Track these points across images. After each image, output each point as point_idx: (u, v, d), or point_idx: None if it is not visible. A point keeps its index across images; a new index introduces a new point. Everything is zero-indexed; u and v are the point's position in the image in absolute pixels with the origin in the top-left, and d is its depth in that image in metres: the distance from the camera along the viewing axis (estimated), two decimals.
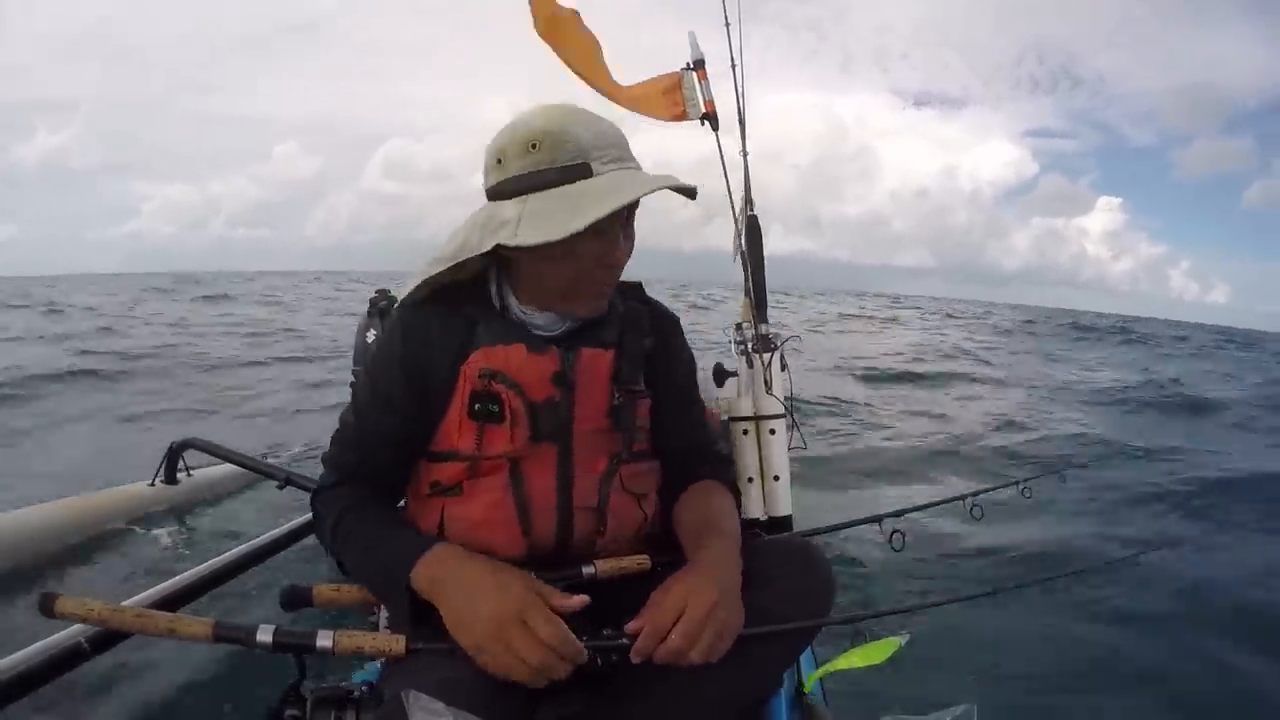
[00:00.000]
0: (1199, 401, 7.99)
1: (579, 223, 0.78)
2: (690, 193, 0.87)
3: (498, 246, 0.82)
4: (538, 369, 0.88)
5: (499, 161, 0.85)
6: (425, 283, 0.89)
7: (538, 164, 0.82)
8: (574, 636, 0.74)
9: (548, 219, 0.79)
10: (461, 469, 0.88)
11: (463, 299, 0.91)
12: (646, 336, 0.98)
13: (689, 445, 1.04)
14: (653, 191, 0.82)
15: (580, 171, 0.82)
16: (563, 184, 0.81)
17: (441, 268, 0.87)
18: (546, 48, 1.80)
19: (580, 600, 0.77)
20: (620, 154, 0.85)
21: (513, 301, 0.91)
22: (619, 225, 0.85)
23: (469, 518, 0.88)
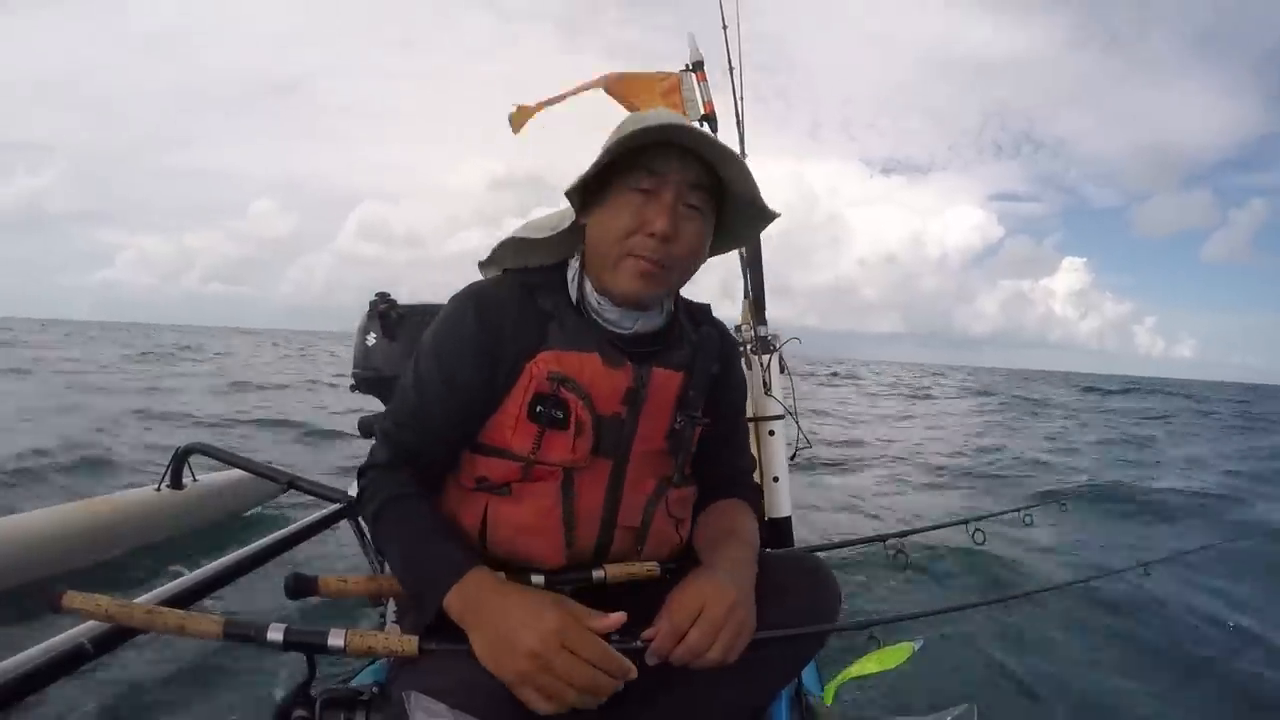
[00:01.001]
0: None
1: (604, 155, 0.82)
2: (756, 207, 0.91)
3: (578, 222, 0.88)
4: (611, 383, 0.87)
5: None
6: (508, 247, 0.93)
7: (624, 129, 0.84)
8: (618, 653, 0.72)
9: (615, 136, 0.83)
10: (514, 469, 0.86)
11: (539, 288, 0.90)
12: (715, 363, 0.98)
13: (729, 471, 1.04)
14: (704, 141, 0.83)
15: (649, 133, 0.83)
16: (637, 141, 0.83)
17: (535, 234, 0.91)
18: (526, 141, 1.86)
19: (619, 618, 0.75)
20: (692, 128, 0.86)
21: (589, 290, 0.90)
22: (666, 191, 0.84)
23: (516, 522, 0.86)
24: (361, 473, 0.91)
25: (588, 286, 0.90)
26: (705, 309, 1.03)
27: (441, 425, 0.87)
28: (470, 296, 0.89)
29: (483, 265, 1.03)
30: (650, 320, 0.92)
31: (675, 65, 1.83)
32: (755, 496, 1.07)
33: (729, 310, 1.91)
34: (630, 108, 1.79)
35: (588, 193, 0.88)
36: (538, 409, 0.84)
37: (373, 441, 0.92)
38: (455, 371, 0.86)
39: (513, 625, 0.71)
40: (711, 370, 0.97)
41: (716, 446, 1.00)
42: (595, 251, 0.88)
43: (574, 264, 0.93)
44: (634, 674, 0.72)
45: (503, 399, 0.86)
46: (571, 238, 0.92)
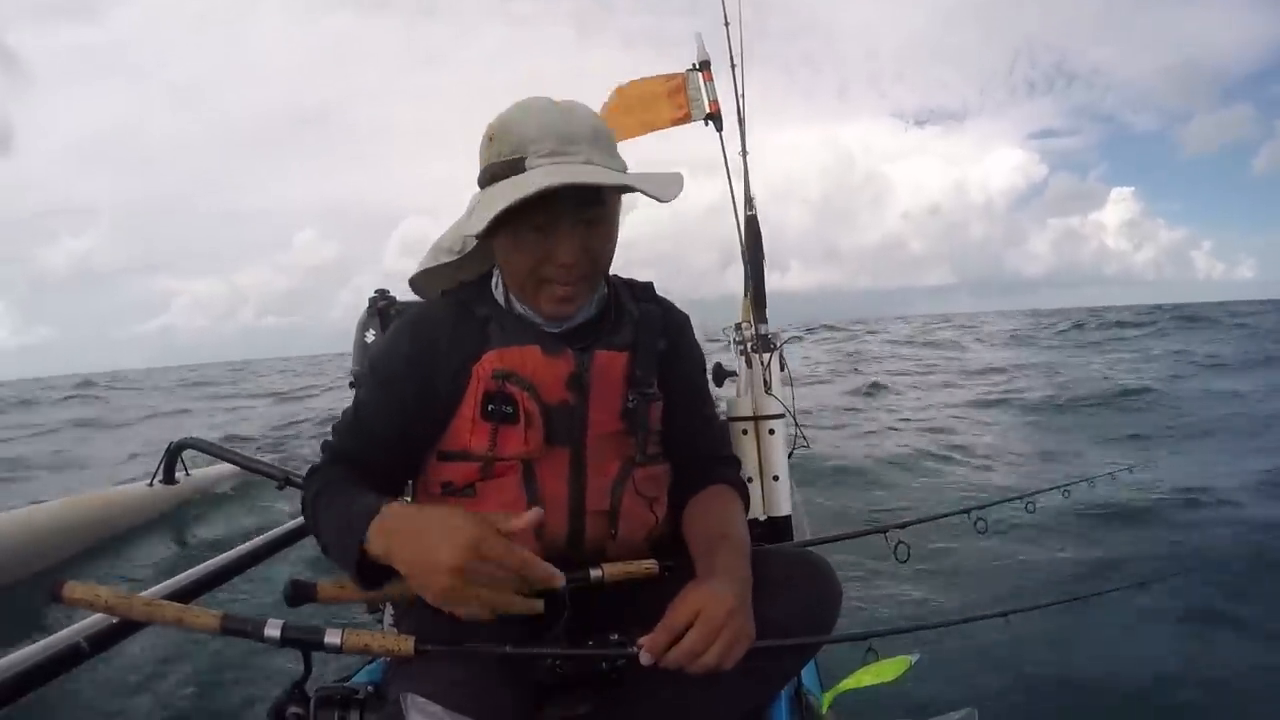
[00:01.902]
0: None
1: (476, 224, 0.81)
2: (654, 190, 0.84)
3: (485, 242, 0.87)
4: (552, 371, 0.88)
5: (481, 152, 0.87)
6: (428, 274, 0.93)
7: (490, 157, 0.84)
8: (541, 560, 0.72)
9: (481, 212, 0.81)
10: (474, 470, 0.88)
11: (472, 297, 0.92)
12: (660, 338, 0.98)
13: (700, 446, 1.03)
14: (558, 186, 0.77)
15: (513, 167, 0.82)
16: (506, 176, 0.82)
17: (447, 259, 0.91)
18: None
19: (534, 515, 0.74)
20: (557, 147, 0.81)
21: (514, 300, 0.92)
22: (563, 222, 0.83)
23: None
24: (303, 483, 0.92)
25: (513, 297, 0.92)
26: (648, 287, 1.03)
27: (380, 432, 0.89)
28: (406, 321, 0.93)
29: (419, 293, 1.05)
30: (583, 313, 0.93)
31: (688, 51, 1.83)
32: (735, 474, 1.06)
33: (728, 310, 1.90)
34: (639, 120, 1.82)
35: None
36: (489, 407, 0.86)
37: None
38: (393, 389, 0.89)
39: (429, 544, 0.70)
40: (658, 346, 0.97)
41: (681, 421, 1.00)
42: (509, 278, 0.89)
43: (496, 274, 0.94)
44: (561, 580, 0.72)
45: (456, 407, 0.88)
46: (486, 250, 0.92)
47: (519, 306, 0.91)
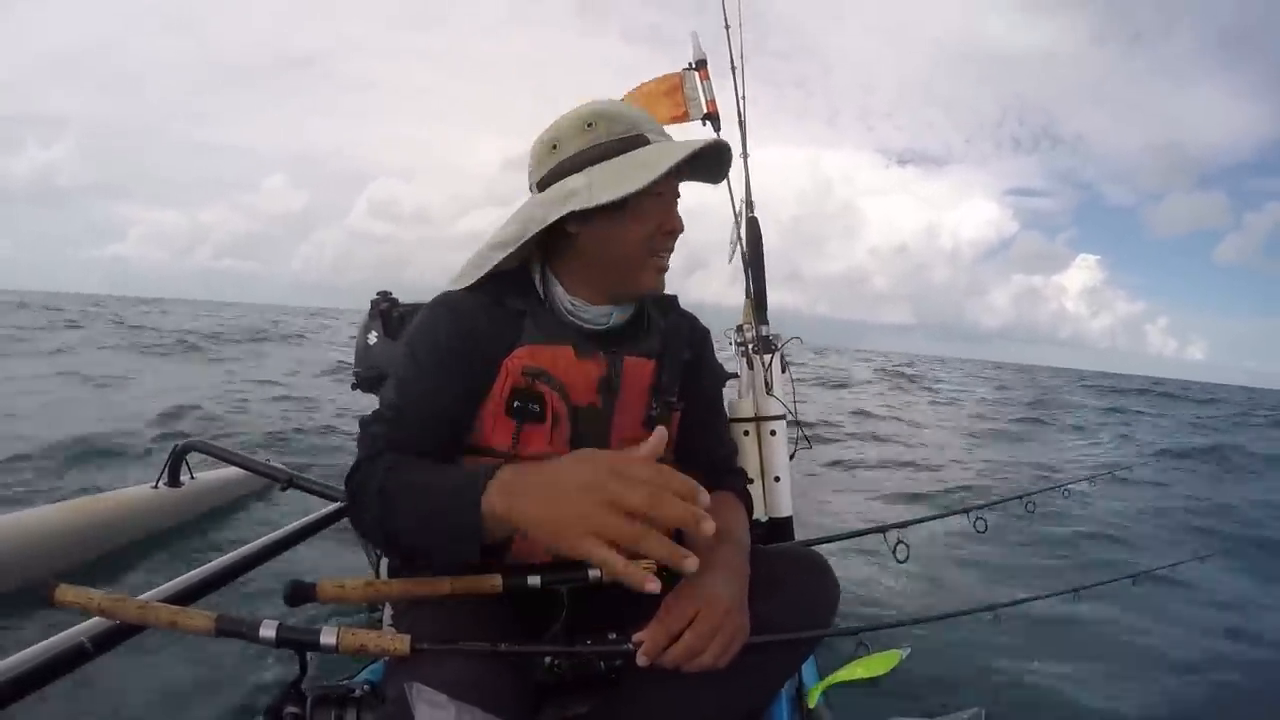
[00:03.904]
0: None
1: (648, 175, 0.82)
2: (714, 161, 0.94)
3: (559, 226, 0.86)
4: (584, 373, 0.88)
5: (554, 148, 0.89)
6: (477, 266, 0.91)
7: (596, 139, 0.87)
8: (676, 471, 0.64)
9: (618, 178, 0.83)
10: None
11: (506, 292, 0.91)
12: (686, 349, 1.00)
13: (712, 458, 1.04)
14: (701, 148, 0.87)
15: (637, 141, 0.87)
16: (620, 154, 0.86)
17: (505, 251, 0.89)
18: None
19: (659, 436, 0.67)
20: (664, 131, 0.92)
21: (559, 292, 0.92)
22: (674, 193, 0.92)
23: None
24: (349, 478, 0.85)
25: (558, 289, 0.92)
26: (673, 300, 1.05)
27: (432, 414, 0.85)
28: (442, 304, 0.91)
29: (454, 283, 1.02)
30: (623, 312, 0.95)
31: (689, 49, 1.83)
32: (742, 485, 1.07)
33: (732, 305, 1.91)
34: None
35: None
36: (515, 404, 0.86)
37: None
38: (437, 373, 0.86)
39: (560, 479, 0.65)
40: (683, 356, 0.99)
41: (696, 433, 1.01)
42: (607, 258, 0.90)
43: (535, 266, 0.95)
44: (698, 491, 0.64)
45: (484, 398, 0.87)
46: (529, 243, 0.91)
47: (565, 300, 0.92)
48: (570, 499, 0.63)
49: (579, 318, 0.92)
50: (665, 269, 0.93)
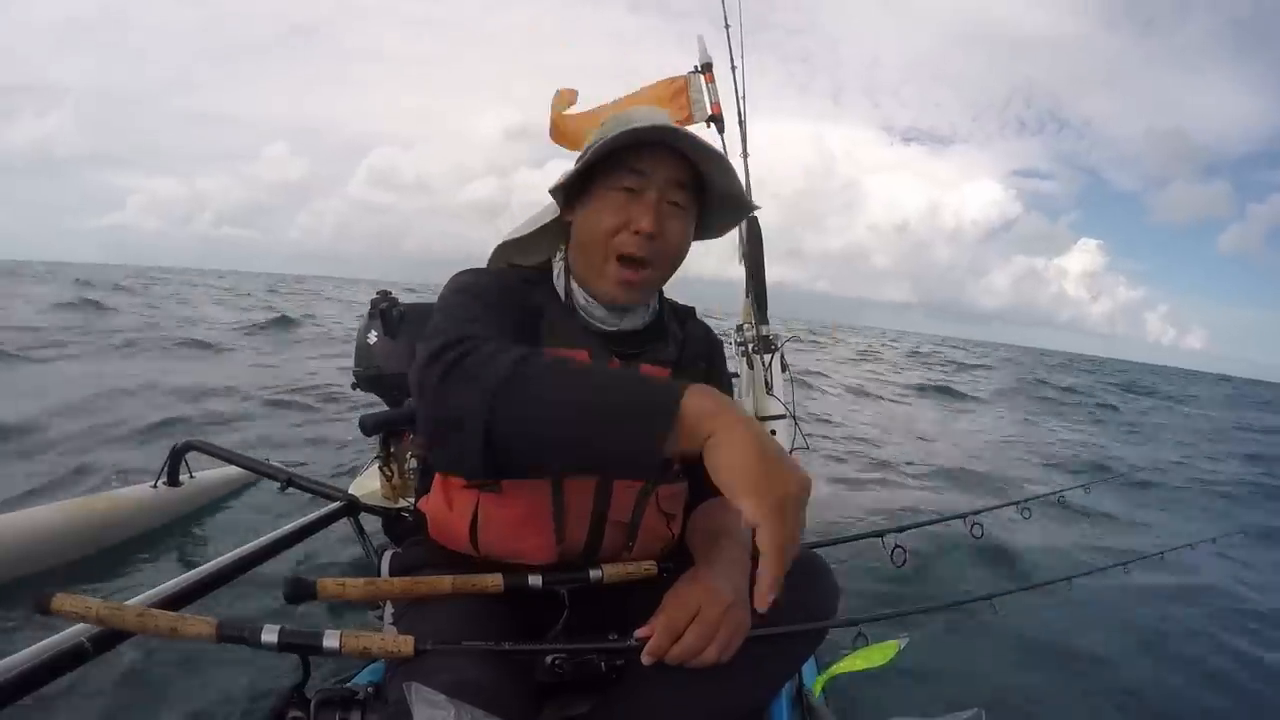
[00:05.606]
0: None
1: (600, 143, 0.83)
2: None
3: (562, 220, 0.90)
4: None
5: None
6: (500, 255, 0.95)
7: (603, 134, 0.88)
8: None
9: (593, 154, 0.85)
10: None
11: (533, 280, 0.94)
12: (702, 359, 1.01)
13: None
14: (658, 125, 0.85)
15: (635, 134, 0.85)
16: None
17: (525, 231, 0.92)
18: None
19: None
20: (665, 123, 0.89)
21: (575, 288, 0.93)
22: (650, 192, 0.87)
23: (507, 517, 0.87)
24: (427, 366, 0.69)
25: (574, 285, 0.93)
26: (690, 310, 1.06)
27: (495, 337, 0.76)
28: (480, 270, 0.94)
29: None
30: (636, 318, 0.95)
31: (696, 26, 1.84)
32: None
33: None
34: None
35: (573, 191, 0.91)
36: None
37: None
38: (483, 309, 0.82)
39: (775, 453, 0.62)
40: (699, 366, 0.99)
41: None
42: (581, 250, 0.91)
43: (558, 263, 0.96)
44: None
45: None
46: (555, 238, 0.96)
47: (579, 295, 0.93)
48: (786, 484, 0.61)
49: (592, 316, 0.93)
50: (632, 283, 0.88)
